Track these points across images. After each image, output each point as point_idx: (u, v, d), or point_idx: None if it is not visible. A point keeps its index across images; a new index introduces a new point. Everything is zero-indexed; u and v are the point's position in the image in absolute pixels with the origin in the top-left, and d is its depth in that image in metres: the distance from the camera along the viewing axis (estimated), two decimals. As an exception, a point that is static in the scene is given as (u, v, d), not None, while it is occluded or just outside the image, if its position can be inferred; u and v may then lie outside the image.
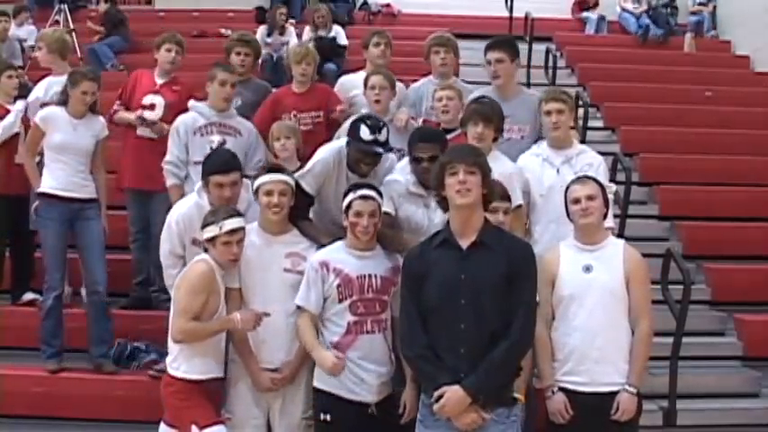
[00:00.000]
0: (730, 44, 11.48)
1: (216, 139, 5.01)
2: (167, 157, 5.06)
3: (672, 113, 8.85)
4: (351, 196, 3.88)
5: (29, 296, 5.76)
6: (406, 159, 4.41)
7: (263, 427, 4.08)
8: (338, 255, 3.90)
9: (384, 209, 4.01)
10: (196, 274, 3.89)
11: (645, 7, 11.83)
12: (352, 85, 5.75)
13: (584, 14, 12.25)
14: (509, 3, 10.61)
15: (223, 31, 10.40)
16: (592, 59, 10.37)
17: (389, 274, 3.89)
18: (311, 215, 4.41)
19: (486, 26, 10.13)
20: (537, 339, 3.73)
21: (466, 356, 3.35)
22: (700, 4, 11.98)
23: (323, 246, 4.03)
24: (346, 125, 4.69)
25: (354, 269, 3.86)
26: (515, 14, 10.36)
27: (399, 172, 4.36)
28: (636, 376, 3.79)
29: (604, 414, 3.74)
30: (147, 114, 5.58)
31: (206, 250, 3.96)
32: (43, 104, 5.58)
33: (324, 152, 4.44)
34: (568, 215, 3.95)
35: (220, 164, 4.20)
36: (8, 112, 5.68)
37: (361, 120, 4.30)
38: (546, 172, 4.61)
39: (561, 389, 3.83)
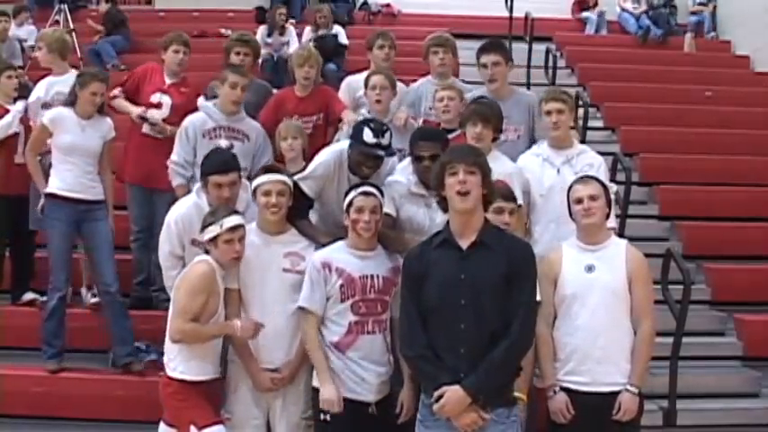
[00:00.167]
0: (730, 44, 11.48)
1: (223, 144, 4.97)
2: (173, 157, 5.05)
3: (672, 113, 8.85)
4: (352, 194, 3.89)
5: (29, 296, 5.75)
6: (406, 160, 4.41)
7: (262, 427, 4.08)
8: (340, 255, 3.90)
9: (385, 210, 4.01)
10: (197, 275, 3.88)
11: (644, 8, 11.83)
12: (358, 85, 5.72)
13: (584, 14, 12.25)
14: (509, 3, 10.59)
15: (223, 31, 10.38)
16: (592, 59, 10.38)
17: (391, 275, 3.88)
18: (315, 219, 4.41)
19: (486, 26, 10.14)
20: (538, 339, 3.75)
21: (466, 356, 3.34)
22: (700, 4, 11.98)
23: (322, 245, 4.03)
24: (347, 129, 4.69)
25: (357, 269, 3.86)
26: (515, 14, 10.34)
27: (400, 172, 4.36)
28: (638, 376, 3.79)
29: (606, 414, 3.74)
30: (150, 113, 5.57)
31: (207, 252, 3.95)
32: (44, 104, 5.58)
33: (325, 155, 4.44)
34: (571, 215, 3.95)
35: (219, 164, 4.20)
36: (8, 112, 5.66)
37: (365, 123, 4.30)
38: (546, 172, 4.61)
39: (563, 388, 3.83)
